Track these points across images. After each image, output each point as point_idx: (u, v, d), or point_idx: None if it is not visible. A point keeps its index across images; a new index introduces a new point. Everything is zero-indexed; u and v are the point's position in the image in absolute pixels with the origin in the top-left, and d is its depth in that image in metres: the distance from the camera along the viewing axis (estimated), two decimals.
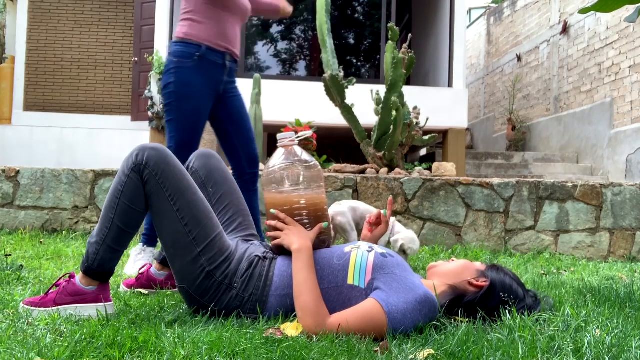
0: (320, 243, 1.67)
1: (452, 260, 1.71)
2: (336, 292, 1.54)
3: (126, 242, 1.66)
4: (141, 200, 1.61)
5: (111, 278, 1.70)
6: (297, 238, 1.60)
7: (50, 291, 1.65)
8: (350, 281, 1.54)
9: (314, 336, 1.41)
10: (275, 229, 1.66)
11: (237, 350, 1.26)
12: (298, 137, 1.74)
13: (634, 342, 1.35)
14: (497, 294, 1.58)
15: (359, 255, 1.59)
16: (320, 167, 1.73)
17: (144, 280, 2.03)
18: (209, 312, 1.60)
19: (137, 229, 1.67)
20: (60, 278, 1.70)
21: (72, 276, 1.67)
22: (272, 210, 1.68)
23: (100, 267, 1.62)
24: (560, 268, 3.27)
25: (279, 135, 1.71)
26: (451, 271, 1.64)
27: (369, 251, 1.61)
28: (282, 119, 6.14)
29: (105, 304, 1.62)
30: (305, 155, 1.70)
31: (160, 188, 1.60)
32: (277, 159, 1.69)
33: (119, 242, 1.64)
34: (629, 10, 6.89)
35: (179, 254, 1.62)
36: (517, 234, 3.99)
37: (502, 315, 1.54)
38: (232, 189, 1.95)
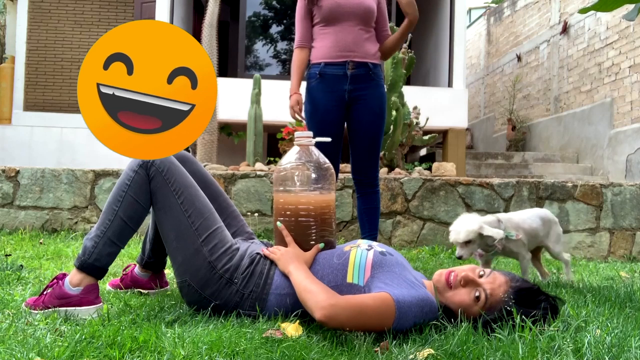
0: (326, 244, 1.67)
1: (464, 278, 1.53)
2: (336, 291, 1.53)
3: (126, 238, 1.69)
4: (146, 197, 1.67)
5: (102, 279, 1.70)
6: (291, 263, 1.57)
7: (45, 292, 1.65)
8: (349, 279, 1.54)
9: (313, 336, 1.40)
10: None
11: (237, 350, 1.26)
12: (317, 140, 1.72)
13: (633, 342, 1.35)
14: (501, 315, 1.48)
15: (358, 253, 1.59)
16: (333, 169, 1.72)
17: (128, 281, 2.03)
18: (209, 312, 1.60)
19: (138, 226, 1.69)
20: (54, 279, 1.69)
21: (60, 277, 1.66)
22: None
23: (96, 261, 1.63)
24: (560, 268, 3.27)
25: (296, 134, 1.70)
26: (454, 300, 1.53)
27: (368, 249, 1.61)
28: (282, 119, 6.13)
29: (90, 307, 1.61)
30: (321, 157, 1.69)
31: (166, 183, 1.66)
32: (291, 157, 1.68)
33: (119, 237, 1.66)
34: (628, 10, 6.88)
35: (182, 246, 1.64)
36: None
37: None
38: (216, 192, 1.94)
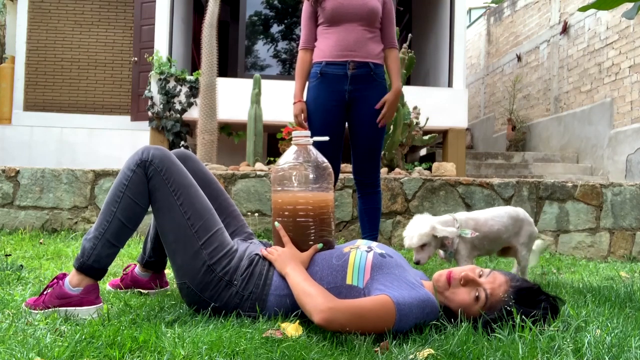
0: (325, 244, 1.67)
1: (467, 277, 1.53)
2: (335, 292, 1.53)
3: (125, 238, 1.68)
4: (144, 196, 1.65)
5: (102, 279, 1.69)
6: (288, 264, 1.58)
7: (45, 292, 1.65)
8: (349, 281, 1.54)
9: (313, 336, 1.40)
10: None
11: (237, 350, 1.26)
12: (314, 139, 1.71)
13: (633, 342, 1.35)
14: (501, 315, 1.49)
15: (358, 255, 1.58)
16: (331, 168, 1.71)
17: (128, 281, 2.03)
18: (208, 312, 1.60)
19: (137, 227, 1.68)
20: (54, 279, 1.69)
21: (60, 277, 1.66)
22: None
23: (95, 263, 1.63)
24: (560, 268, 3.27)
25: (294, 133, 1.69)
26: (454, 300, 1.54)
27: (368, 251, 1.60)
28: (282, 119, 6.14)
29: (90, 307, 1.61)
30: (319, 156, 1.69)
31: (164, 183, 1.63)
32: (289, 157, 1.67)
33: (117, 238, 1.65)
34: (628, 8, 6.88)
35: (181, 248, 1.63)
36: None
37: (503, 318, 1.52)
38: (217, 192, 1.93)
